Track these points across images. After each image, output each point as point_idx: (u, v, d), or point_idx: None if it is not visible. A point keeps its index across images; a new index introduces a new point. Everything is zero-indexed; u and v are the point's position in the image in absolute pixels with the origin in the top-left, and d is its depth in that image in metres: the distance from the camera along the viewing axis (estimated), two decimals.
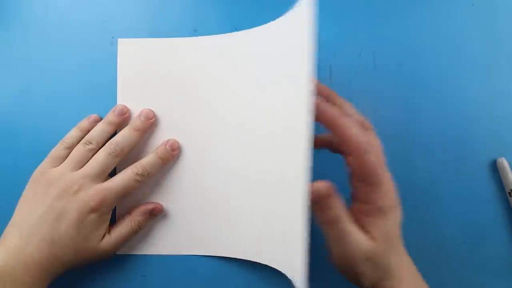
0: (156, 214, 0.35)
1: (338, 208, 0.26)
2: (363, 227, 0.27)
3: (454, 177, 0.35)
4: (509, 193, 0.34)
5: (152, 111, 0.35)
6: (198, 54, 0.36)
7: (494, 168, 0.35)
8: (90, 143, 0.33)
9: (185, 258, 0.35)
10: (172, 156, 0.34)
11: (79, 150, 0.33)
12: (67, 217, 0.30)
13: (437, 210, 0.35)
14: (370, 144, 0.27)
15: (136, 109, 0.35)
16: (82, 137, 0.33)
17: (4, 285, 0.28)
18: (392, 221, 0.28)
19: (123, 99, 0.36)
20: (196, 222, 0.35)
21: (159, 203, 0.35)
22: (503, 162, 0.35)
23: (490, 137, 0.36)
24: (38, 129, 0.36)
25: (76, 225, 0.30)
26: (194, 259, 0.35)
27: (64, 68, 0.37)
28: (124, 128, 0.34)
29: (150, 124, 0.34)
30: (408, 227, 0.35)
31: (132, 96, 0.36)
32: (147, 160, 0.33)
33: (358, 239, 0.27)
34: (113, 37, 0.37)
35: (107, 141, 0.33)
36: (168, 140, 0.34)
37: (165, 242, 0.35)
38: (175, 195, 0.35)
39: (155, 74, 0.36)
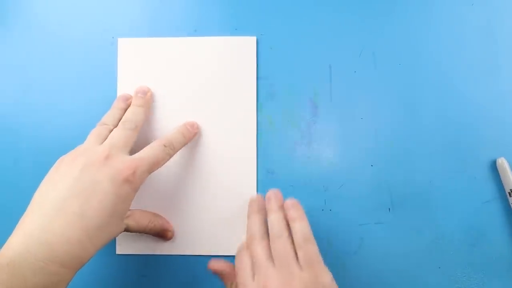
0: (164, 236, 0.35)
1: (227, 282, 0.32)
2: None
3: (454, 177, 0.35)
4: (509, 193, 0.34)
5: (146, 86, 0.35)
6: (197, 53, 0.36)
7: (494, 168, 0.35)
8: (105, 123, 0.32)
9: (185, 258, 0.35)
10: (192, 133, 0.34)
11: (97, 129, 0.32)
12: (99, 188, 0.27)
13: (437, 210, 0.35)
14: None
15: None
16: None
17: (23, 278, 0.23)
18: None
19: None
20: (195, 222, 0.35)
21: (172, 232, 0.35)
22: (503, 162, 0.34)
23: (490, 137, 0.36)
24: (39, 128, 0.36)
25: (110, 197, 0.27)
26: (194, 259, 0.35)
27: (65, 67, 0.37)
28: (128, 108, 0.34)
29: (149, 98, 0.35)
30: (408, 227, 0.35)
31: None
32: (170, 134, 0.33)
33: None
34: (113, 37, 0.37)
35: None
36: (187, 121, 0.35)
37: (165, 242, 0.35)
38: (175, 195, 0.35)
39: (155, 73, 0.36)
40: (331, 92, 0.36)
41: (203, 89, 0.36)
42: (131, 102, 0.34)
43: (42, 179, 0.29)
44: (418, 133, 0.36)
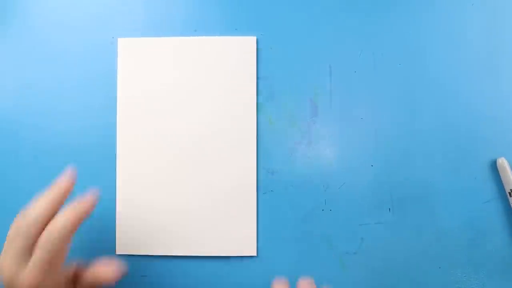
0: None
1: None
2: None
3: (454, 177, 0.35)
4: (509, 193, 0.34)
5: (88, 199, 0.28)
6: (197, 53, 0.36)
7: (494, 168, 0.35)
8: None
9: (185, 258, 0.35)
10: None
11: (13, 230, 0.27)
12: None
13: (437, 210, 0.35)
14: None
15: (136, 108, 0.35)
16: None
17: None
18: None
19: (122, 98, 0.36)
20: (195, 222, 0.35)
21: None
22: (503, 162, 0.35)
23: (490, 137, 0.36)
24: (39, 128, 0.36)
25: None
26: (193, 259, 0.35)
27: (65, 67, 0.37)
28: (59, 213, 0.27)
29: (88, 206, 0.28)
30: (408, 227, 0.35)
31: (132, 95, 0.36)
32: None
33: None
34: (113, 37, 0.37)
35: None
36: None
37: (165, 242, 0.35)
38: (175, 196, 0.35)
39: (155, 73, 0.36)
40: (331, 92, 0.36)
41: (203, 89, 0.36)
42: (66, 194, 0.28)
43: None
44: (418, 133, 0.36)
